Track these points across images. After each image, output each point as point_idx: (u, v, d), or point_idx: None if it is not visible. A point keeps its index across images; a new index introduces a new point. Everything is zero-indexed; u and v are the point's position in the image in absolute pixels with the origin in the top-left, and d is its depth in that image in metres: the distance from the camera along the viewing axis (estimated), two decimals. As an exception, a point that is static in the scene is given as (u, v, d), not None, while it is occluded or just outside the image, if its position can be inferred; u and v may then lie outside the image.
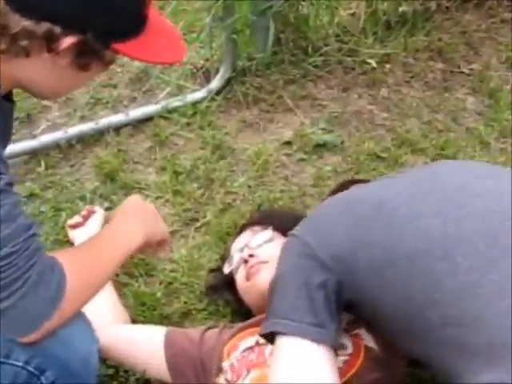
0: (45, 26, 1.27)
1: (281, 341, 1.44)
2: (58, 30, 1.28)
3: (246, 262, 1.83)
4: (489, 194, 1.40)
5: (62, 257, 1.34)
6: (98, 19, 1.29)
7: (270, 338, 1.47)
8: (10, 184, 1.28)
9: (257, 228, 1.90)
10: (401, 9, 2.85)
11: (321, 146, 2.43)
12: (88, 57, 1.33)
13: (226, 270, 1.91)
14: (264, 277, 1.80)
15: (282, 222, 1.89)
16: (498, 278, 1.28)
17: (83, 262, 1.38)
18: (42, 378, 1.40)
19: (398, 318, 1.39)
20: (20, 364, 1.38)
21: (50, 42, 1.29)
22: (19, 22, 1.27)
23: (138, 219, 1.51)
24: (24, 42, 1.28)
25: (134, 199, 1.62)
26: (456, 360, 1.31)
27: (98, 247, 1.44)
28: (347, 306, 1.47)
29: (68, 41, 1.29)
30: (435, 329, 1.33)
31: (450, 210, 1.38)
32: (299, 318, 1.42)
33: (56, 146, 2.39)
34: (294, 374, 1.41)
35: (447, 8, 2.93)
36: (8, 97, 1.39)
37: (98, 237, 1.48)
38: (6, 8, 1.26)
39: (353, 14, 2.83)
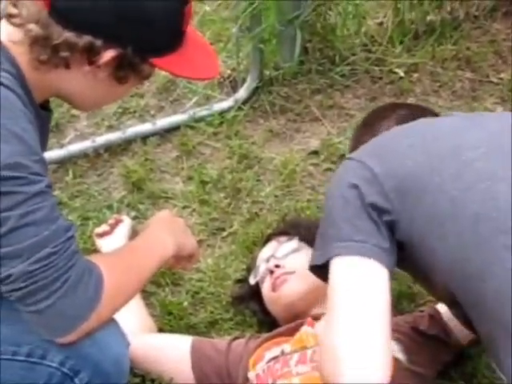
0: (86, 38, 1.30)
1: (340, 262, 1.34)
2: (99, 43, 1.31)
3: (271, 272, 1.83)
4: None
5: (100, 261, 1.36)
6: (138, 34, 1.32)
7: (319, 270, 1.40)
8: (50, 186, 1.30)
9: (283, 238, 1.90)
10: (428, 18, 2.83)
11: (348, 156, 2.42)
12: (126, 70, 1.36)
13: (252, 280, 1.91)
14: (290, 287, 1.80)
15: (309, 231, 1.88)
16: None
17: (119, 267, 1.40)
18: (76, 380, 1.41)
19: (453, 275, 1.32)
20: (55, 365, 1.40)
21: (90, 55, 1.32)
22: (61, 34, 1.30)
23: (170, 231, 1.53)
24: (65, 54, 1.31)
25: (165, 213, 1.65)
26: (498, 333, 1.27)
27: (133, 254, 1.46)
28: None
29: (108, 54, 1.32)
30: (487, 299, 1.28)
31: None
32: (363, 239, 1.34)
33: (84, 155, 2.41)
34: (360, 293, 1.32)
35: (475, 17, 2.91)
36: (45, 105, 1.42)
37: (133, 244, 1.51)
38: (49, 19, 1.29)
39: (380, 24, 2.82)
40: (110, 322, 1.41)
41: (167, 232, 1.52)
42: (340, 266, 1.34)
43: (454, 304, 1.37)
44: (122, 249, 1.53)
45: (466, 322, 1.37)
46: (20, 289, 1.28)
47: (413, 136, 1.43)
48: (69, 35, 1.29)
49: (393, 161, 1.38)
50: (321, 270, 1.39)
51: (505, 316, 1.26)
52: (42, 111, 1.39)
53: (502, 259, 1.26)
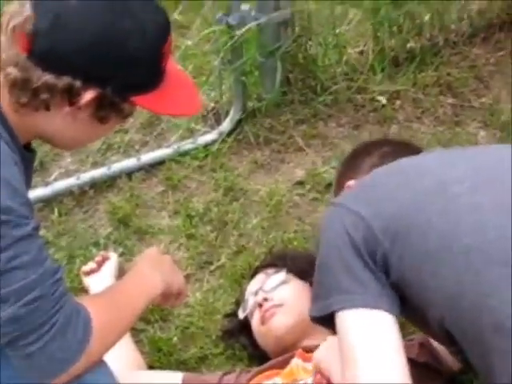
0: (66, 80, 1.30)
1: (345, 316, 1.34)
2: (78, 84, 1.30)
3: (260, 306, 1.83)
4: None
5: (87, 302, 1.36)
6: (117, 73, 1.32)
7: (322, 320, 1.40)
8: (37, 228, 1.30)
9: (270, 270, 1.90)
10: (408, 45, 2.86)
11: (333, 185, 2.43)
12: (107, 110, 1.35)
13: (241, 314, 1.90)
14: (279, 321, 1.79)
15: (296, 263, 1.89)
16: None
17: (108, 307, 1.39)
18: None
19: (448, 311, 1.31)
20: None
21: (70, 96, 1.31)
22: (41, 76, 1.29)
23: (157, 268, 1.53)
24: (45, 96, 1.31)
25: (153, 250, 1.65)
26: (496, 362, 1.26)
27: (121, 293, 1.45)
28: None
29: (88, 95, 1.31)
30: (485, 333, 1.27)
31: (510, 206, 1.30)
32: (364, 290, 1.34)
33: (69, 192, 2.40)
34: (371, 344, 1.32)
35: (455, 43, 2.93)
36: (28, 146, 1.42)
37: (121, 283, 1.51)
38: (27, 62, 1.29)
39: (361, 52, 2.84)
40: (100, 363, 1.39)
41: (155, 270, 1.51)
42: (347, 321, 1.35)
43: (450, 341, 1.36)
44: (110, 288, 1.52)
45: (464, 359, 1.37)
46: (8, 333, 1.27)
47: (397, 175, 1.44)
48: (48, 77, 1.29)
49: (379, 202, 1.39)
50: (322, 319, 1.40)
51: (503, 345, 1.25)
52: (25, 152, 1.39)
53: (499, 291, 1.26)
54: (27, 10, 1.30)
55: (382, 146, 1.69)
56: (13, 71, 1.30)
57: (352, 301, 1.34)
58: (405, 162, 1.49)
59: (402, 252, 1.34)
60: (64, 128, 1.37)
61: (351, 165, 1.69)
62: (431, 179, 1.38)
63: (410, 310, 1.41)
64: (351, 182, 1.64)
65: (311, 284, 1.83)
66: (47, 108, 1.32)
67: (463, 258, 1.28)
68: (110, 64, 1.31)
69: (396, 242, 1.34)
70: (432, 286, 1.32)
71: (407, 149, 1.66)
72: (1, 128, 1.31)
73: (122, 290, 1.47)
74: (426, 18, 2.86)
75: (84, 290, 2.09)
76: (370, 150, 1.69)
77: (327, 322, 1.38)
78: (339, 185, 1.69)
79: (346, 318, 1.35)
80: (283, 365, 1.74)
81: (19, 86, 1.30)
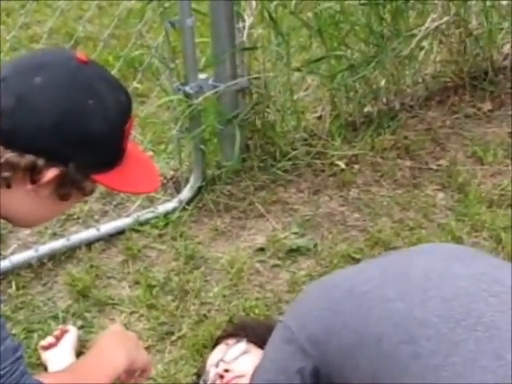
0: (28, 158, 1.30)
1: None
2: (41, 162, 1.30)
3: (221, 377, 1.80)
4: (455, 277, 1.45)
5: (50, 379, 1.34)
6: (80, 153, 1.33)
7: None
8: None
9: (231, 341, 1.87)
10: (365, 109, 2.90)
11: (294, 251, 2.42)
12: (69, 187, 1.35)
13: (202, 387, 1.87)
14: (240, 392, 1.77)
15: (256, 332, 1.86)
16: (460, 360, 1.31)
17: None
18: None
19: None
20: None
21: (32, 174, 1.31)
22: (3, 154, 1.29)
23: (121, 345, 1.52)
24: (7, 174, 1.30)
25: (117, 326, 1.65)
26: None
27: (84, 370, 1.44)
28: None
29: (51, 173, 1.31)
30: None
31: (415, 293, 1.43)
32: None
33: (27, 265, 2.37)
34: None
35: (411, 106, 2.99)
36: None
37: (84, 359, 1.49)
38: None
39: (319, 118, 2.88)
40: None
41: (119, 346, 1.50)
42: None
43: None
44: (73, 365, 1.51)
45: None
46: None
47: (316, 290, 1.62)
48: (11, 155, 1.29)
49: (302, 314, 1.55)
50: None
51: None
52: None
53: (409, 368, 1.35)
54: None
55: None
56: None
57: None
58: (328, 276, 1.73)
59: (326, 356, 1.48)
60: (25, 205, 1.36)
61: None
62: (343, 286, 1.54)
63: None
64: None
65: (272, 354, 1.83)
66: (8, 186, 1.32)
67: (375, 346, 1.41)
68: (72, 143, 1.32)
69: (319, 349, 1.49)
70: (354, 380, 1.44)
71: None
72: None
73: (85, 367, 1.45)
74: (382, 82, 2.91)
75: (42, 365, 2.05)
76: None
77: None
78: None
79: None
80: None
81: None
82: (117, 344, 1.50)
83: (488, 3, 3.01)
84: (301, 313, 1.57)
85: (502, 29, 3.13)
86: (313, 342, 1.49)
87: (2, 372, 1.25)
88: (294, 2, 2.65)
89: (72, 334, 2.10)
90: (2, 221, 1.43)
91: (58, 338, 2.08)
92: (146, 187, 1.48)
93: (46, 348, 2.06)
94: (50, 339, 2.07)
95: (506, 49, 3.18)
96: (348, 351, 1.45)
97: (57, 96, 1.30)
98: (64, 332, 2.10)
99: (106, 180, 1.37)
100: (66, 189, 1.35)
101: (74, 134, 1.31)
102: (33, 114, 1.29)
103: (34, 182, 1.32)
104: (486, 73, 3.09)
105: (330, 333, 1.48)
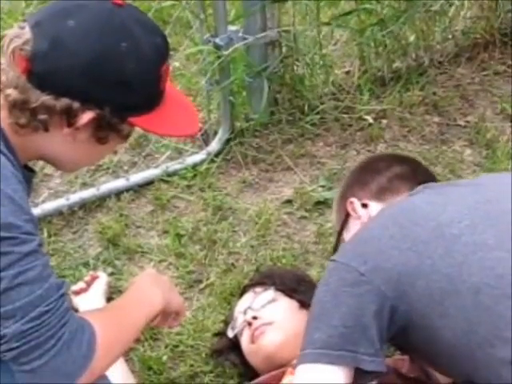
0: (64, 101, 1.32)
1: (322, 369, 1.39)
2: (76, 105, 1.32)
3: (249, 324, 1.83)
4: None
5: (91, 317, 1.37)
6: (115, 95, 1.34)
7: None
8: (41, 244, 1.32)
9: (258, 289, 1.90)
10: (394, 65, 2.89)
11: (321, 203, 2.44)
12: (106, 131, 1.37)
13: (230, 334, 1.90)
14: (269, 339, 1.80)
15: (284, 281, 1.90)
16: None
17: (111, 323, 1.40)
18: None
19: (459, 350, 1.35)
20: None
21: (69, 117, 1.34)
22: (39, 97, 1.32)
23: (157, 285, 1.55)
24: (43, 117, 1.33)
25: (150, 270, 1.68)
26: None
27: (123, 309, 1.47)
28: (396, 334, 1.41)
29: (86, 116, 1.34)
30: (500, 366, 1.30)
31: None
32: (353, 348, 1.37)
33: (58, 213, 2.41)
34: None
35: (440, 62, 2.97)
36: (27, 166, 1.44)
37: (122, 299, 1.52)
38: (27, 84, 1.32)
39: (347, 72, 2.87)
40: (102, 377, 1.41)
41: (155, 286, 1.53)
42: (324, 375, 1.39)
43: (462, 378, 1.40)
44: (113, 304, 1.55)
45: None
46: (14, 348, 1.29)
47: (390, 227, 1.45)
48: (46, 98, 1.31)
49: (377, 256, 1.41)
50: None
51: None
52: (26, 172, 1.40)
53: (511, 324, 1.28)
54: (26, 32, 1.32)
55: (392, 166, 1.68)
56: (12, 93, 1.32)
57: (339, 357, 1.38)
58: (394, 210, 1.51)
59: (408, 299, 1.37)
60: (64, 149, 1.39)
61: (359, 180, 1.70)
62: (426, 226, 1.42)
63: (418, 351, 1.46)
64: (354, 200, 1.66)
65: (299, 301, 1.86)
66: (46, 129, 1.34)
67: (472, 296, 1.32)
68: (107, 85, 1.33)
69: (399, 291, 1.38)
70: (441, 328, 1.35)
71: (415, 173, 1.67)
72: (4, 148, 1.33)
73: (124, 306, 1.48)
74: (411, 38, 2.89)
75: (74, 310, 2.08)
76: (380, 168, 1.69)
77: None
78: (343, 196, 1.70)
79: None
80: (276, 380, 1.75)
81: (18, 107, 1.32)
82: (153, 284, 1.53)
83: (521, -42, 2.97)
84: (372, 253, 1.42)
85: (533, -15, 3.09)
86: (392, 283, 1.37)
87: (47, 308, 1.28)
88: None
89: (102, 279, 2.14)
90: (35, 169, 1.46)
91: (89, 284, 2.12)
92: (185, 130, 1.48)
93: (78, 293, 2.10)
94: (80, 284, 2.12)
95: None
96: (436, 296, 1.35)
97: (90, 38, 1.31)
98: (94, 278, 2.13)
99: (143, 122, 1.38)
100: (103, 132, 1.37)
101: (107, 75, 1.32)
102: (66, 56, 1.31)
103: (70, 125, 1.34)
104: (517, 30, 3.07)
105: (416, 276, 1.36)
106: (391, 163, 1.70)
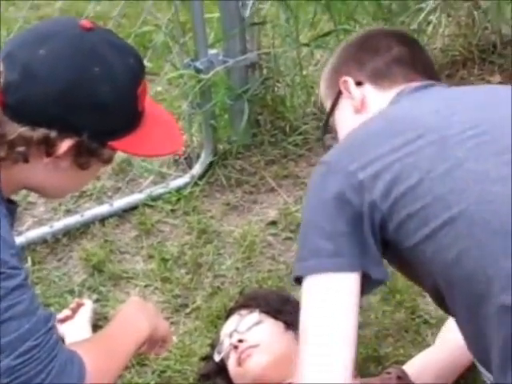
0: (41, 131, 1.31)
1: (306, 282, 1.38)
2: (53, 134, 1.31)
3: (236, 347, 1.83)
4: None
5: (80, 348, 1.36)
6: (92, 121, 1.33)
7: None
8: (27, 278, 1.31)
9: (244, 311, 1.90)
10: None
11: (306, 224, 2.44)
12: (86, 157, 1.36)
13: (217, 357, 1.90)
14: (255, 361, 1.80)
15: (269, 302, 1.90)
16: None
17: (99, 353, 1.40)
18: None
19: (445, 275, 1.31)
20: None
21: (47, 147, 1.32)
22: (16, 129, 1.30)
23: (143, 312, 1.54)
24: (21, 149, 1.31)
25: (136, 298, 1.69)
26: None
27: (111, 338, 1.46)
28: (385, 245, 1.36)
29: (65, 144, 1.32)
30: (486, 304, 1.26)
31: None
32: (361, 255, 1.33)
33: (42, 241, 2.40)
34: (311, 314, 1.36)
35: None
36: (10, 199, 1.42)
37: (109, 328, 1.51)
38: (3, 117, 1.31)
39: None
40: None
41: (141, 314, 1.53)
42: (305, 289, 1.37)
43: (438, 298, 1.37)
44: (100, 334, 1.53)
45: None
46: None
47: (393, 137, 1.37)
48: (23, 130, 1.30)
49: (377, 164, 1.34)
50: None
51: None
52: (10, 205, 1.39)
53: (500, 263, 1.24)
54: None
55: (392, 48, 1.59)
56: None
57: (314, 266, 1.34)
58: (399, 114, 1.44)
59: (401, 214, 1.31)
60: (47, 178, 1.38)
61: (356, 57, 1.60)
62: (428, 137, 1.34)
63: (402, 266, 1.43)
64: (348, 79, 1.58)
65: (285, 323, 1.86)
66: (26, 160, 1.33)
67: (466, 228, 1.27)
68: (83, 112, 1.32)
69: (395, 206, 1.31)
70: (428, 250, 1.31)
71: (414, 59, 1.58)
72: None
73: (112, 335, 1.48)
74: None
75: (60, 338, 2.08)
76: (379, 47, 1.59)
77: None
78: (337, 71, 1.62)
79: (305, 285, 1.37)
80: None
81: None
82: (139, 311, 1.52)
83: (496, -24, 3.01)
84: (371, 160, 1.34)
85: (510, 1, 3.12)
86: (389, 197, 1.31)
87: (36, 342, 1.27)
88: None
89: (88, 307, 2.13)
90: (16, 198, 1.46)
91: (74, 311, 2.11)
92: (167, 148, 1.45)
93: (63, 321, 2.09)
94: (66, 312, 2.11)
95: (515, 21, 3.17)
96: (432, 220, 1.28)
97: (61, 65, 1.30)
98: (80, 305, 2.13)
99: (124, 145, 1.37)
100: (83, 158, 1.36)
101: (82, 101, 1.31)
102: (38, 85, 1.30)
103: (50, 154, 1.33)
104: (495, 46, 3.09)
105: (414, 194, 1.30)
106: (391, 44, 1.61)
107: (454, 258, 1.28)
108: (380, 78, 1.57)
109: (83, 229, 2.45)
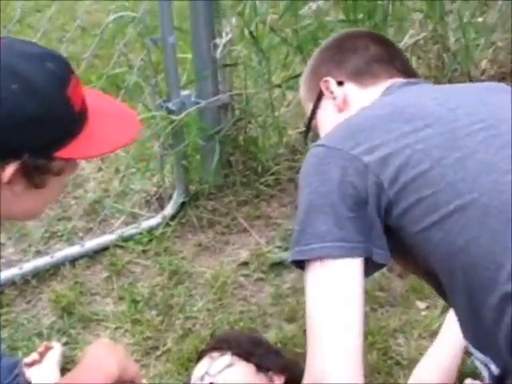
0: None
1: (309, 268, 1.31)
2: None
3: (207, 390, 1.81)
4: None
5: None
6: (28, 139, 1.26)
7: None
8: None
9: (215, 354, 1.88)
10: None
11: (278, 265, 2.44)
12: (38, 175, 1.30)
13: (187, 400, 1.88)
14: (226, 404, 1.78)
15: (240, 344, 1.88)
16: None
17: None
18: None
19: (451, 263, 1.29)
20: None
21: None
22: None
23: (111, 354, 1.51)
24: None
25: (104, 339, 1.69)
26: None
27: (78, 380, 1.43)
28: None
29: (9, 170, 1.26)
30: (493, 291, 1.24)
31: None
32: (365, 239, 1.30)
33: (11, 283, 2.37)
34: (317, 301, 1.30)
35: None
36: None
37: (76, 370, 1.47)
38: None
39: (301, 133, 2.89)
40: None
41: (109, 355, 1.50)
42: (309, 275, 1.31)
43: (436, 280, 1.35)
44: (67, 377, 1.50)
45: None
46: None
47: (403, 122, 1.36)
48: None
49: (386, 149, 1.32)
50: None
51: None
52: None
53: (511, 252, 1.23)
54: None
55: (369, 47, 1.59)
56: None
57: (319, 250, 1.29)
58: (402, 102, 1.42)
59: (408, 201, 1.29)
60: (11, 205, 1.32)
61: (334, 57, 1.60)
62: (439, 127, 1.33)
63: (403, 254, 1.39)
64: (329, 79, 1.56)
65: (256, 365, 1.85)
66: None
67: (479, 217, 1.26)
68: (16, 133, 1.25)
69: (402, 192, 1.29)
70: (435, 239, 1.29)
71: (392, 57, 1.59)
72: None
73: (79, 377, 1.44)
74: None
75: (27, 383, 2.04)
76: (357, 47, 1.59)
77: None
78: (316, 73, 1.61)
79: (310, 270, 1.31)
80: None
81: None
82: (107, 352, 1.49)
83: (464, 20, 3.05)
84: (378, 144, 1.32)
85: (478, 45, 3.18)
86: (397, 183, 1.29)
87: None
88: (273, 19, 2.68)
89: (56, 350, 2.10)
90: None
91: (42, 355, 2.07)
92: (119, 142, 1.35)
93: (31, 365, 2.05)
94: (34, 356, 2.07)
95: (483, 64, 3.22)
96: (442, 208, 1.27)
97: None
98: (48, 348, 2.09)
99: (71, 152, 1.29)
100: (35, 178, 1.30)
101: (11, 123, 1.25)
102: None
103: None
104: (465, 88, 3.13)
105: (424, 181, 1.28)
106: (368, 44, 1.60)
107: (462, 245, 1.26)
108: (361, 75, 1.56)
109: (53, 270, 2.42)
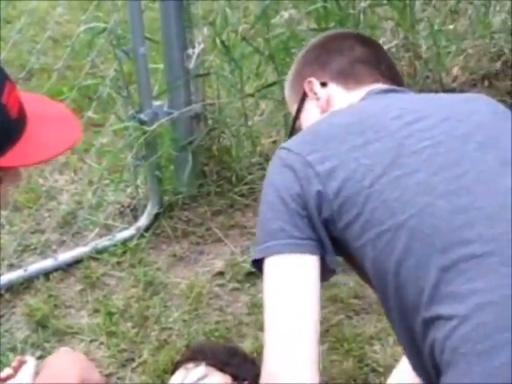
0: None
1: (267, 263, 1.34)
2: None
3: (184, 401, 1.80)
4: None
5: None
6: None
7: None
8: None
9: (190, 365, 1.87)
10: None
11: (253, 274, 2.43)
12: None
13: (161, 413, 1.87)
14: (198, 416, 1.77)
15: (215, 355, 1.87)
16: None
17: None
18: None
19: (381, 282, 1.30)
20: None
21: None
22: None
23: (72, 365, 1.49)
24: None
25: (65, 348, 1.66)
26: None
27: None
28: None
29: None
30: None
31: (461, 194, 1.27)
32: (317, 237, 1.32)
33: (-16, 297, 2.35)
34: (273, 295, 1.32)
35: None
36: None
37: (38, 381, 1.45)
38: None
39: (274, 142, 2.90)
40: None
41: (70, 366, 1.49)
42: (267, 270, 1.33)
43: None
44: None
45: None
46: None
47: (357, 134, 1.37)
48: None
49: (334, 161, 1.34)
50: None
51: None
52: None
53: (431, 277, 1.23)
54: None
55: (355, 48, 1.59)
56: None
57: (274, 247, 1.32)
58: (365, 112, 1.43)
59: (349, 217, 1.31)
60: None
61: (319, 58, 1.60)
62: (389, 144, 1.34)
63: (353, 264, 1.40)
64: (313, 80, 1.56)
65: (232, 375, 1.84)
66: None
67: (406, 238, 1.26)
68: None
69: (344, 206, 1.31)
70: (368, 256, 1.30)
71: (378, 59, 1.59)
72: None
73: None
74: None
75: (1, 398, 2.02)
76: (342, 48, 1.59)
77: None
78: (300, 74, 1.61)
79: (266, 267, 1.33)
80: None
81: None
82: (67, 364, 1.48)
83: (435, 27, 3.08)
84: (330, 154, 1.34)
85: (449, 52, 3.20)
86: (340, 196, 1.31)
87: None
88: (245, 29, 2.68)
89: (30, 364, 2.06)
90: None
91: (16, 370, 2.05)
92: (59, 148, 1.31)
93: (4, 380, 2.04)
94: (7, 371, 2.04)
95: (455, 71, 3.25)
96: (376, 227, 1.28)
97: None
98: (22, 363, 2.06)
99: (11, 160, 1.25)
100: None
101: None
102: None
103: None
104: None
105: (363, 197, 1.29)
106: (354, 45, 1.60)
107: (392, 266, 1.27)
108: (345, 77, 1.56)
109: (27, 283, 2.40)
